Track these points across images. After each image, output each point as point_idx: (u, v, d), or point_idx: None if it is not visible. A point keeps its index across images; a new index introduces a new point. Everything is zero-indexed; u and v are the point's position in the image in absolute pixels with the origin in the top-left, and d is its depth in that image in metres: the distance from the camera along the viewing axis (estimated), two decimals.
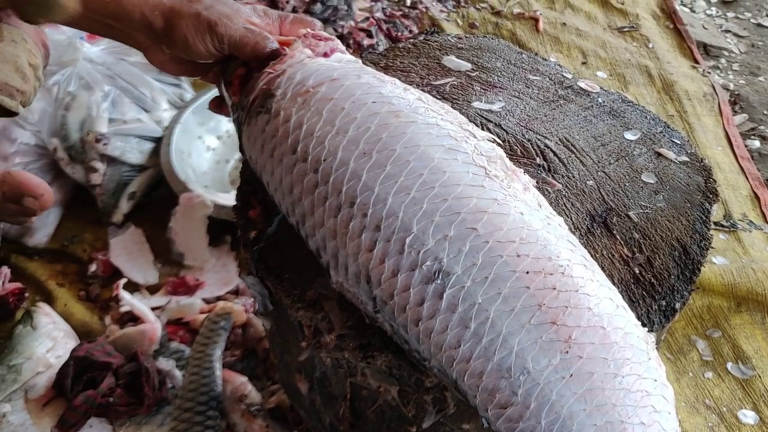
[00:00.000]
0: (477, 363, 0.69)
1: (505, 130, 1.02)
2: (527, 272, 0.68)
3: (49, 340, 1.36)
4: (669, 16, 2.52)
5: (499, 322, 0.68)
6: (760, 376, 1.42)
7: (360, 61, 0.92)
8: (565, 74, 1.18)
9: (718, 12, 2.69)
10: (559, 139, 1.03)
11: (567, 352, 0.67)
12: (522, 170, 0.79)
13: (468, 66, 1.16)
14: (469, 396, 0.72)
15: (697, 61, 2.32)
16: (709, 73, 2.28)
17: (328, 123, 0.79)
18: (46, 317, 1.41)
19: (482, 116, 1.04)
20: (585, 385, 0.67)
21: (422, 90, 1.09)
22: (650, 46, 2.34)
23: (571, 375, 0.67)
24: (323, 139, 0.78)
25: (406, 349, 0.75)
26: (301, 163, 0.79)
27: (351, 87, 0.81)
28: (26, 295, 1.51)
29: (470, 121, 1.02)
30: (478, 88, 1.11)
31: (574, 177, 0.97)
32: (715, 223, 1.72)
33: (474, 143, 0.77)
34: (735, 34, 2.57)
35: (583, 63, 2.25)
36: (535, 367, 0.67)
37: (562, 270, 0.69)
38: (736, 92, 2.29)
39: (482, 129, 1.02)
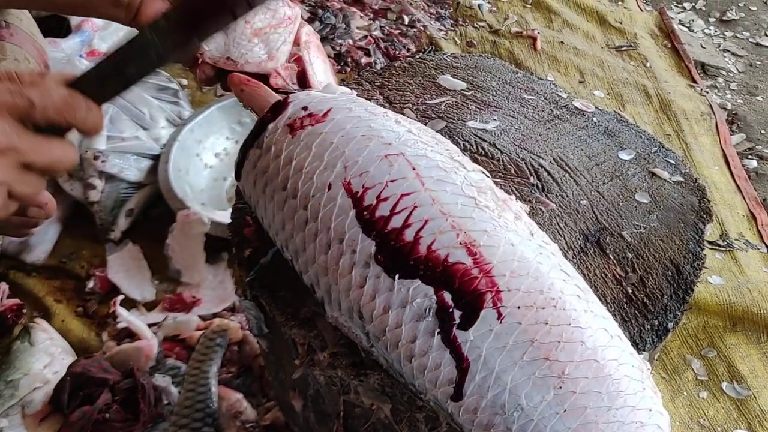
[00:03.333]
0: (471, 400, 0.69)
1: (499, 149, 1.03)
2: (518, 307, 0.68)
3: (47, 356, 1.37)
4: (667, 35, 2.52)
5: (491, 359, 0.67)
6: (755, 396, 1.42)
7: (354, 92, 0.92)
8: (560, 94, 1.19)
9: (716, 31, 2.71)
10: (554, 159, 1.03)
11: (560, 387, 0.66)
12: (514, 197, 0.79)
13: (463, 85, 1.17)
14: (464, 429, 0.72)
15: (694, 81, 2.33)
16: (707, 92, 2.29)
17: (316, 158, 0.78)
18: (44, 333, 1.41)
19: (477, 135, 1.05)
20: (579, 420, 0.66)
21: (417, 108, 1.10)
22: (648, 65, 2.35)
23: (565, 410, 0.66)
24: (312, 175, 0.77)
25: (402, 382, 0.75)
26: (291, 199, 0.79)
27: (341, 121, 0.81)
28: (24, 311, 1.51)
29: (465, 140, 1.04)
30: (473, 108, 1.12)
31: (567, 196, 0.98)
32: (712, 243, 1.72)
33: (464, 174, 0.77)
34: (733, 54, 2.59)
35: (581, 82, 2.26)
36: (528, 404, 0.67)
37: (554, 303, 0.69)
38: (733, 111, 2.30)
39: (477, 148, 1.03)
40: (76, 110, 0.84)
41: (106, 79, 0.86)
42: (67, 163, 0.85)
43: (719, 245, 1.73)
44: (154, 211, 1.72)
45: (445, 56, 1.26)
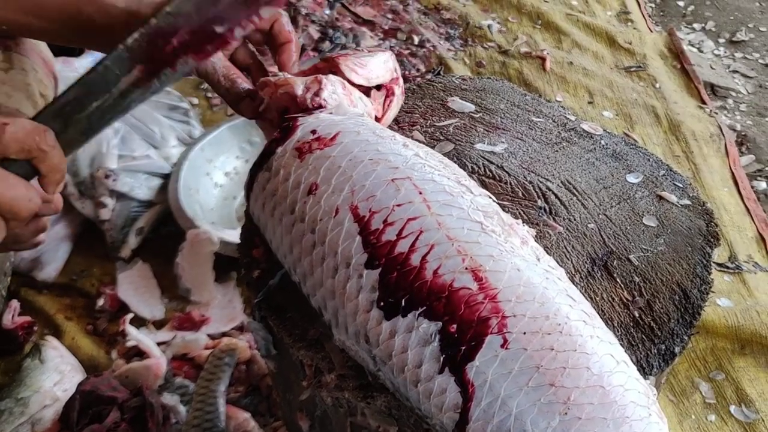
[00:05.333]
0: (477, 425, 0.68)
1: (507, 172, 1.04)
2: (524, 333, 0.68)
3: (57, 374, 1.37)
4: (677, 56, 2.52)
5: (497, 384, 0.67)
6: (763, 420, 1.42)
7: (365, 113, 0.92)
8: (568, 116, 1.19)
9: (726, 52, 2.71)
10: (561, 182, 1.04)
11: (566, 413, 0.66)
12: (520, 222, 0.80)
13: (472, 107, 1.18)
14: None
15: (704, 102, 2.33)
16: (716, 113, 2.29)
17: (324, 182, 0.79)
18: (54, 351, 1.42)
19: (485, 158, 1.05)
20: None
21: (426, 130, 1.11)
22: (657, 86, 2.36)
23: None
24: (319, 199, 0.78)
25: (408, 406, 0.75)
26: (299, 223, 0.80)
27: (349, 144, 0.82)
28: (35, 328, 1.52)
29: (473, 162, 1.04)
30: (482, 130, 1.12)
31: (575, 220, 0.98)
32: (720, 265, 1.72)
33: (470, 198, 0.77)
34: (743, 75, 2.59)
35: (590, 102, 2.27)
36: (534, 429, 0.66)
37: (560, 329, 0.69)
38: (743, 133, 2.30)
39: (484, 171, 1.03)
40: (43, 141, 0.80)
41: (68, 117, 0.83)
42: (28, 206, 0.82)
43: (728, 267, 1.73)
44: (164, 229, 1.74)
45: (453, 78, 1.27)
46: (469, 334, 0.69)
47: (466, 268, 0.71)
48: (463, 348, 0.69)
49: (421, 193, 0.77)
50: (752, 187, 2.04)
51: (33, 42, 1.17)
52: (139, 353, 1.46)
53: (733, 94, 2.48)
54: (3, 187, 0.79)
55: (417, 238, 0.73)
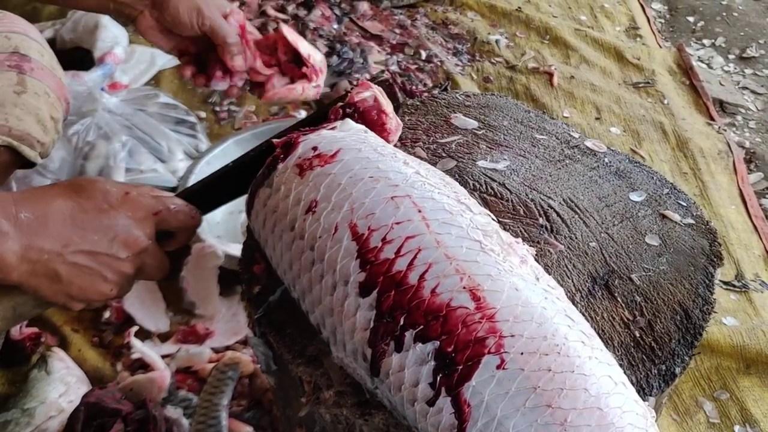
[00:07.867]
0: None
1: (508, 189, 1.03)
2: (522, 353, 0.68)
3: (63, 385, 1.38)
4: (685, 72, 2.51)
5: (494, 405, 0.67)
6: None
7: (366, 128, 0.93)
8: (572, 133, 1.19)
9: (735, 68, 2.70)
10: (563, 200, 1.04)
11: None
12: (520, 240, 0.80)
13: (475, 124, 1.18)
14: None
15: (712, 118, 2.32)
16: (725, 130, 2.28)
17: (324, 199, 0.80)
18: (61, 362, 1.43)
19: (487, 175, 1.05)
20: None
21: (428, 147, 1.11)
22: (665, 102, 2.35)
23: None
24: (319, 216, 0.79)
25: (405, 424, 0.75)
26: (298, 240, 0.81)
27: (349, 162, 0.82)
28: (42, 339, 1.52)
29: (474, 180, 1.05)
30: (484, 147, 1.12)
31: (576, 238, 0.98)
32: (727, 283, 1.71)
33: (470, 217, 0.77)
34: (752, 91, 2.58)
35: (597, 118, 2.26)
36: None
37: (558, 350, 0.68)
38: (751, 150, 2.29)
39: (486, 188, 1.03)
40: (191, 219, 1.00)
41: (208, 195, 1.06)
42: (163, 275, 1.00)
43: (734, 286, 1.72)
44: None
45: (457, 95, 1.27)
46: (466, 354, 0.69)
47: (464, 287, 0.71)
48: (460, 368, 0.69)
49: (420, 211, 0.77)
50: (760, 205, 2.03)
51: (49, 66, 1.20)
52: (143, 366, 1.46)
53: (743, 110, 2.48)
54: (157, 258, 0.97)
55: (415, 257, 0.74)
